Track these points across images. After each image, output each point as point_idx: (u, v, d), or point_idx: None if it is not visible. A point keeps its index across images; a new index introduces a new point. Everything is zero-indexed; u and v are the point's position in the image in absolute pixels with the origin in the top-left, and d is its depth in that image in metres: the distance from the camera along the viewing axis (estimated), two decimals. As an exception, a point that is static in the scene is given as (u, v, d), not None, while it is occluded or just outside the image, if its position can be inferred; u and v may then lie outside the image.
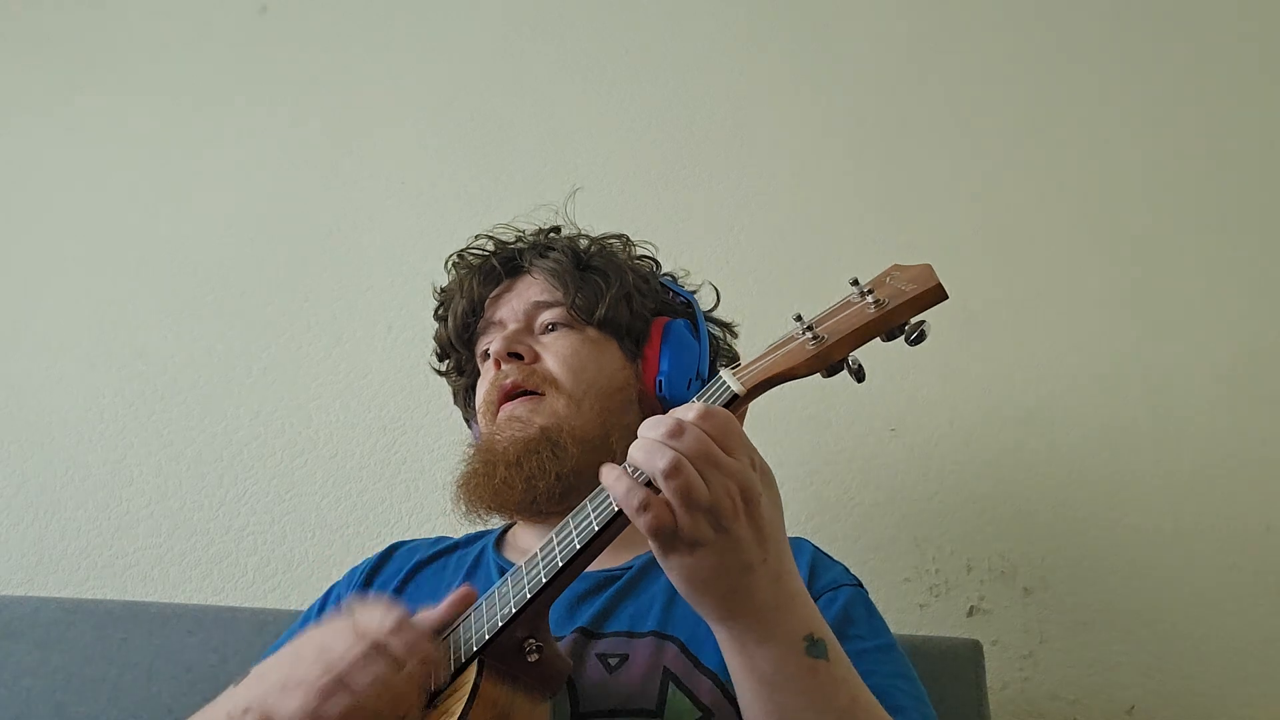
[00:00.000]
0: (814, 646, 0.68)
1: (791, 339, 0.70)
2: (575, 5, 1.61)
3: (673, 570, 0.67)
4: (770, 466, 0.70)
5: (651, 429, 0.66)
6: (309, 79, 1.66)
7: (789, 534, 0.72)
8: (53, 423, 1.54)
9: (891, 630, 0.88)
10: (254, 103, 1.66)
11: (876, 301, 0.67)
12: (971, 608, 1.28)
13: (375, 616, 0.73)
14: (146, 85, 1.70)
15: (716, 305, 1.14)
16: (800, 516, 1.33)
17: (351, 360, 1.51)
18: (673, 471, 0.64)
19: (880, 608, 0.90)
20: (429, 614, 0.78)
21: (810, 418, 1.37)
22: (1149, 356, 1.33)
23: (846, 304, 0.70)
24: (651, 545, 0.67)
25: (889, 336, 0.68)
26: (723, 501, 0.64)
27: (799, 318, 0.70)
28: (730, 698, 0.79)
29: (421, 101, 1.61)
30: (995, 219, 1.42)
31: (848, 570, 0.93)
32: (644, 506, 0.65)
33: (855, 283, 0.69)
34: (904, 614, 1.27)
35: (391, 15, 1.65)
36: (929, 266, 0.68)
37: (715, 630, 0.70)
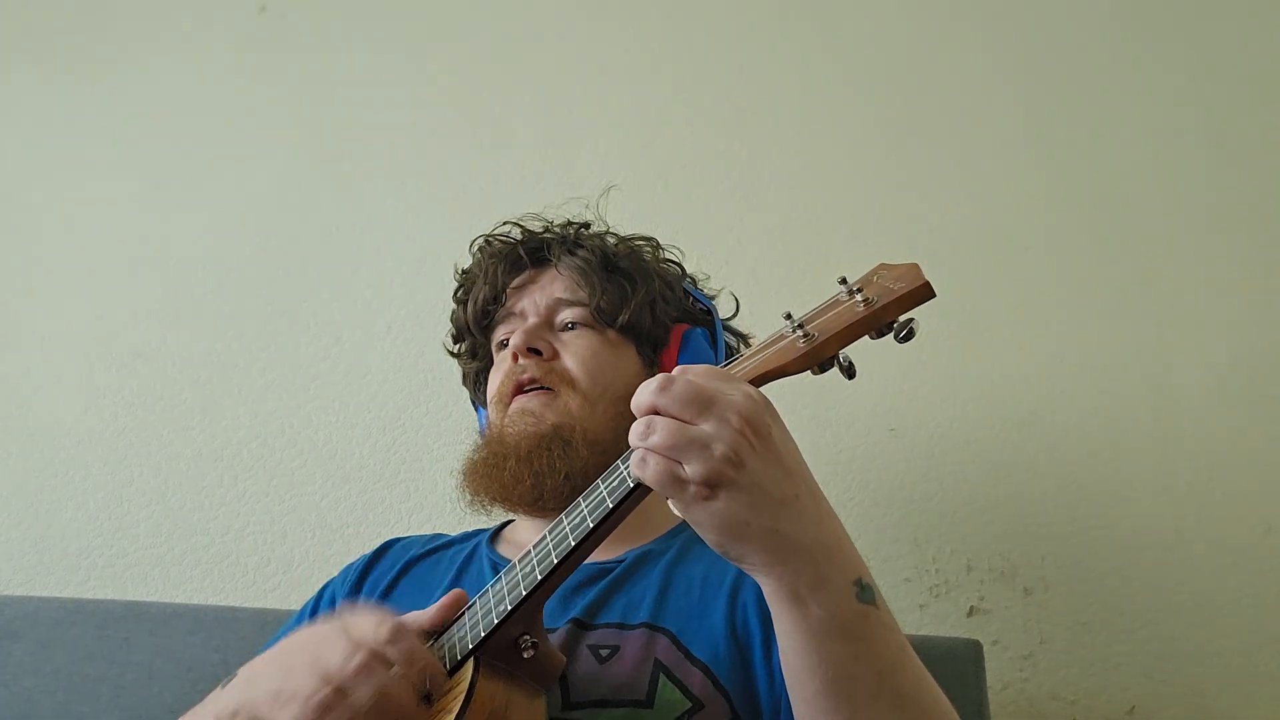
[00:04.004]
0: (864, 591, 0.66)
1: (782, 337, 0.70)
2: (575, 5, 1.61)
3: (703, 524, 0.64)
4: None
5: (641, 389, 0.65)
6: (308, 78, 1.66)
7: None
8: (53, 423, 1.54)
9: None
10: (253, 102, 1.66)
11: (866, 300, 0.67)
12: (971, 608, 1.28)
13: (369, 624, 0.71)
14: (145, 85, 1.69)
15: (735, 314, 1.14)
16: (800, 516, 1.33)
17: (351, 360, 1.51)
18: (650, 423, 0.63)
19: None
20: (419, 616, 0.78)
21: (810, 418, 1.37)
22: (1149, 356, 1.33)
23: (835, 302, 0.69)
24: (676, 508, 0.65)
25: (878, 334, 0.68)
26: (723, 430, 0.62)
27: (789, 316, 0.70)
28: (721, 689, 0.79)
29: (421, 101, 1.61)
30: (995, 219, 1.42)
31: None
32: (643, 461, 0.64)
33: (844, 281, 0.69)
34: (904, 614, 1.27)
35: (391, 15, 1.65)
36: (916, 265, 0.68)
37: (764, 583, 0.66)
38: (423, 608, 0.83)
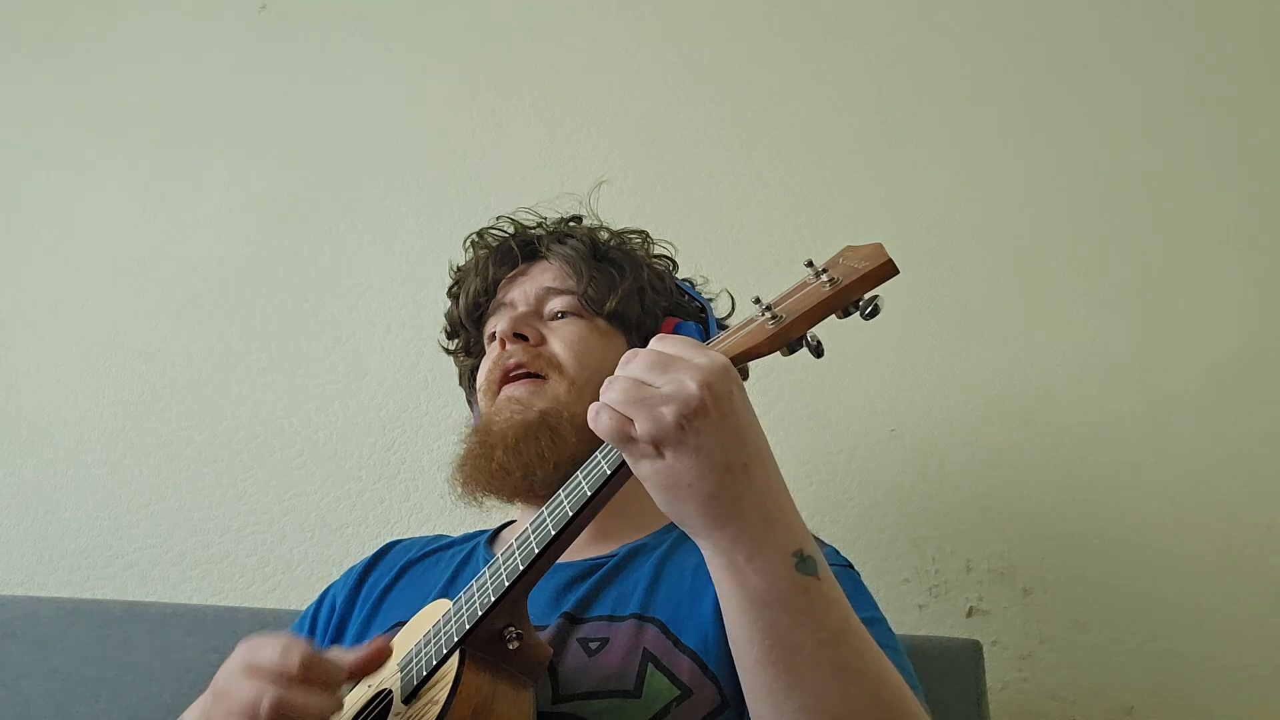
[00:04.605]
0: (804, 563, 0.66)
1: (752, 320, 0.71)
2: (575, 5, 1.61)
3: (648, 481, 0.66)
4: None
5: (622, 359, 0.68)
6: (309, 78, 1.66)
7: None
8: (53, 423, 1.54)
9: (891, 631, 0.88)
10: (253, 101, 1.66)
11: (831, 280, 0.68)
12: (971, 608, 1.28)
13: (266, 648, 0.70)
14: (146, 84, 1.70)
15: (731, 313, 1.14)
16: (799, 517, 1.33)
17: (351, 360, 1.51)
18: (610, 380, 0.66)
19: (879, 607, 0.90)
20: (343, 654, 0.75)
21: (809, 418, 1.37)
22: (1148, 356, 1.33)
23: (803, 284, 0.71)
24: (627, 460, 0.67)
25: (845, 313, 0.69)
26: (682, 391, 0.63)
27: (758, 300, 0.71)
28: (711, 676, 0.79)
29: (421, 101, 1.61)
30: (994, 218, 1.42)
31: (837, 552, 0.93)
32: (597, 414, 0.65)
33: (810, 264, 0.70)
34: (903, 614, 1.27)
35: (391, 14, 1.65)
36: (879, 245, 0.69)
37: (703, 546, 0.67)
38: (418, 609, 0.84)
